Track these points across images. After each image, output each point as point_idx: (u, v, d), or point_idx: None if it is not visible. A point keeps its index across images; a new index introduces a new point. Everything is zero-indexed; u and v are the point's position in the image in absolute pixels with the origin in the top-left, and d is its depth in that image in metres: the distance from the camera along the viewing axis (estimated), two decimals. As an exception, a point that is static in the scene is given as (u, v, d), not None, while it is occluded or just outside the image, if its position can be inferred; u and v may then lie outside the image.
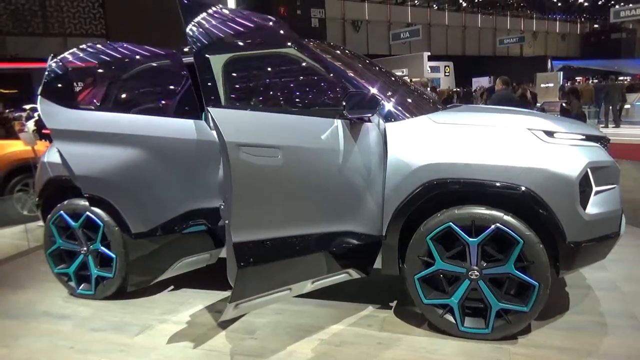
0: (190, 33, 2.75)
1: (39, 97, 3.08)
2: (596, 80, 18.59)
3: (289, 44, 3.11)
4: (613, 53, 47.91)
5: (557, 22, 51.45)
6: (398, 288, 3.82)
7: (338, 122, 2.99)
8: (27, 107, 15.74)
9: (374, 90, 3.11)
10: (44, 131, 4.43)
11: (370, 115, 3.02)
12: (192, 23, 2.83)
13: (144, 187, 3.24)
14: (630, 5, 25.99)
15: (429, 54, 27.92)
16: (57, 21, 13.32)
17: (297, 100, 2.99)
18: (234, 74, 2.85)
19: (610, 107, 18.02)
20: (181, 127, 3.45)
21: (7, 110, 13.56)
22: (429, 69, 27.02)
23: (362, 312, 3.54)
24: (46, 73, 3.16)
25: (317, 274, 3.02)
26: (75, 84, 3.29)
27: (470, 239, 2.96)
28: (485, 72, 33.17)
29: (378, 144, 3.10)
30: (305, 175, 2.86)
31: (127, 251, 3.59)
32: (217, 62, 2.80)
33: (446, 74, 28.87)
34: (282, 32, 3.19)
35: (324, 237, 3.00)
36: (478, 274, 3.00)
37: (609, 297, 3.62)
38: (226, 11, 3.15)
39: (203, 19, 2.94)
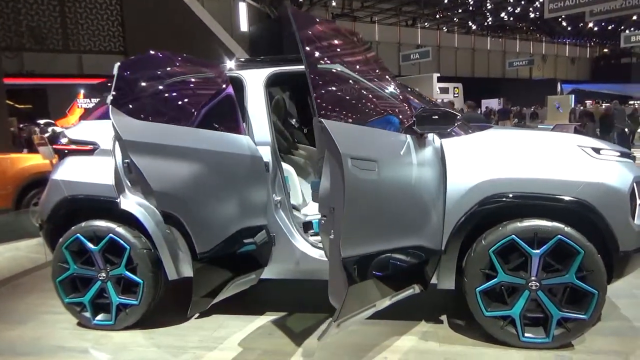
0: (306, 47, 2.71)
1: (111, 107, 2.85)
2: (608, 104, 18.00)
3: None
4: (623, 77, 47.32)
5: (567, 46, 51.03)
6: (444, 302, 3.86)
7: (408, 137, 3.03)
8: (42, 121, 14.71)
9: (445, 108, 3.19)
10: (54, 146, 4.08)
11: (447, 129, 3.10)
12: (306, 35, 2.79)
13: (210, 203, 3.09)
14: (642, 30, 25.15)
15: (439, 75, 27.47)
16: (77, 38, 13.16)
17: (372, 113, 3.00)
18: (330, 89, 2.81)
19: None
20: (237, 143, 3.37)
21: (21, 125, 13.47)
22: (438, 90, 26.38)
23: (414, 328, 3.54)
24: (115, 82, 2.94)
25: (394, 289, 3.00)
26: (142, 94, 3.09)
27: (533, 251, 3.08)
28: (494, 94, 33.06)
29: (437, 160, 3.18)
30: (394, 189, 2.87)
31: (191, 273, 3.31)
32: None
33: (455, 95, 27.26)
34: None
35: (403, 251, 3.00)
36: (538, 284, 3.11)
37: (630, 304, 3.88)
38: (330, 25, 3.17)
39: (316, 31, 2.92)
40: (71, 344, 3.53)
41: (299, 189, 4.09)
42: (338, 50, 3.06)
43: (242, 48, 15.63)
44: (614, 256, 3.09)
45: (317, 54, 2.82)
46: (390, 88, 3.19)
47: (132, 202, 3.42)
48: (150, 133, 2.91)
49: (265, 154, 3.53)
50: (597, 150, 3.18)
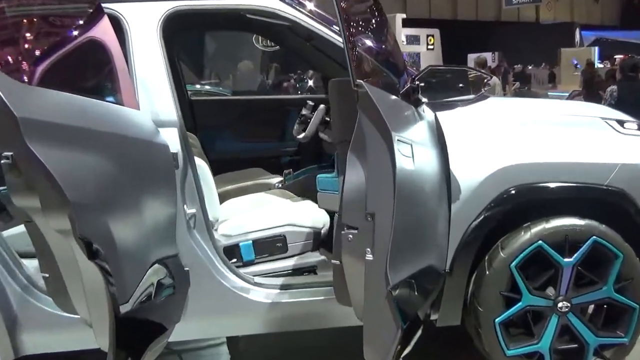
0: None
1: None
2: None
3: None
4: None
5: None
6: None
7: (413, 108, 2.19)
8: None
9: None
10: None
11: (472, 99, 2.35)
12: None
13: (113, 220, 1.82)
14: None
15: (404, 16, 18.39)
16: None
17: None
18: None
19: None
20: (130, 121, 2.19)
21: None
22: (404, 38, 18.06)
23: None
24: None
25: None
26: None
27: (565, 260, 2.34)
28: (485, 46, 21.26)
29: (434, 140, 2.33)
30: (424, 182, 2.10)
31: None
32: None
33: (429, 46, 19.15)
34: None
35: (424, 273, 2.14)
36: (568, 304, 2.37)
37: None
38: None
39: None
40: None
41: (216, 195, 2.85)
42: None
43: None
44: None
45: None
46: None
47: None
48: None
49: (171, 140, 2.33)
50: (621, 124, 2.58)
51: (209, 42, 6.47)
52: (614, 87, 6.37)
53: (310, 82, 8.17)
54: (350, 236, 1.97)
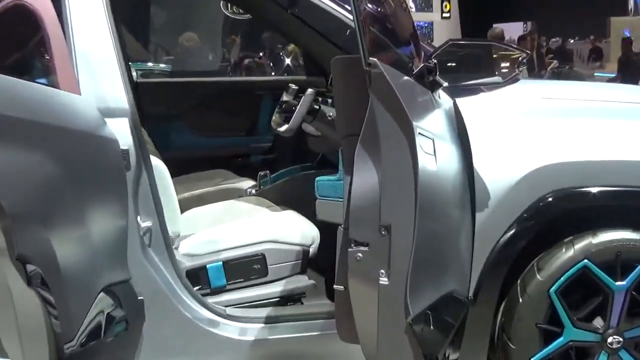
0: None
1: None
2: None
3: None
4: None
5: None
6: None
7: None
8: None
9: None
10: None
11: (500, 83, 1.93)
12: None
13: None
14: None
15: None
16: None
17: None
18: None
19: None
20: (68, 109, 1.77)
21: None
22: (412, 4, 15.20)
23: None
24: None
25: None
26: None
27: (617, 283, 1.89)
28: (514, 13, 17.30)
29: (453, 132, 1.93)
30: (448, 186, 1.77)
31: None
32: None
33: (444, 14, 15.55)
34: None
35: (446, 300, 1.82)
36: (620, 339, 1.92)
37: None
38: None
39: None
40: None
41: (176, 204, 2.36)
42: None
43: None
44: None
45: None
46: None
47: None
48: None
49: (121, 133, 1.90)
50: None
51: (158, 8, 5.59)
52: None
53: (288, 60, 6.80)
54: (360, 254, 1.66)
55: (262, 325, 2.03)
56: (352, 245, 1.69)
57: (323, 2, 2.11)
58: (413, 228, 1.57)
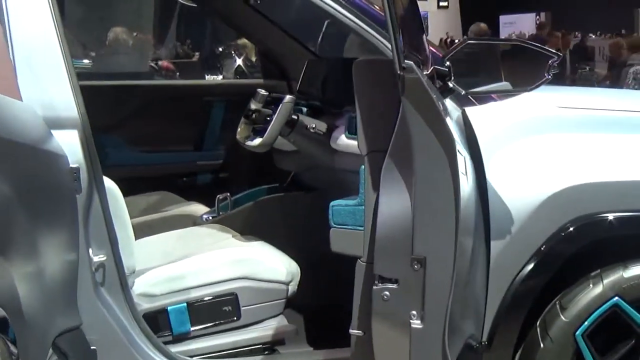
0: None
1: None
2: None
3: None
4: None
5: None
6: None
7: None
8: None
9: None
10: None
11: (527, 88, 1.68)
12: None
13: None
14: None
15: None
16: None
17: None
18: None
19: None
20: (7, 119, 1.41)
21: None
22: None
23: None
24: None
25: None
26: None
27: (651, 324, 1.67)
28: (527, 3, 14.98)
29: (465, 147, 1.70)
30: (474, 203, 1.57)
31: None
32: None
33: (441, 3, 14.41)
34: None
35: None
36: (655, 392, 1.69)
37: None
38: None
39: None
40: None
41: (131, 233, 1.98)
42: None
43: None
44: None
45: None
46: None
47: None
48: None
49: (70, 148, 1.60)
50: None
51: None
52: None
53: (239, 61, 6.03)
54: (387, 293, 1.47)
55: None
56: (378, 282, 1.50)
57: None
58: (453, 261, 1.37)
